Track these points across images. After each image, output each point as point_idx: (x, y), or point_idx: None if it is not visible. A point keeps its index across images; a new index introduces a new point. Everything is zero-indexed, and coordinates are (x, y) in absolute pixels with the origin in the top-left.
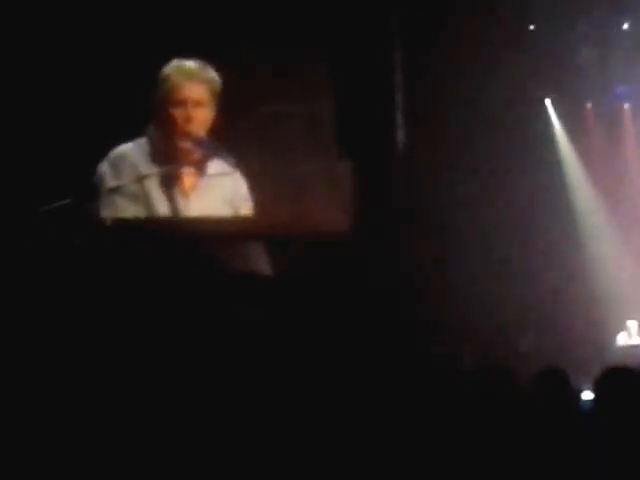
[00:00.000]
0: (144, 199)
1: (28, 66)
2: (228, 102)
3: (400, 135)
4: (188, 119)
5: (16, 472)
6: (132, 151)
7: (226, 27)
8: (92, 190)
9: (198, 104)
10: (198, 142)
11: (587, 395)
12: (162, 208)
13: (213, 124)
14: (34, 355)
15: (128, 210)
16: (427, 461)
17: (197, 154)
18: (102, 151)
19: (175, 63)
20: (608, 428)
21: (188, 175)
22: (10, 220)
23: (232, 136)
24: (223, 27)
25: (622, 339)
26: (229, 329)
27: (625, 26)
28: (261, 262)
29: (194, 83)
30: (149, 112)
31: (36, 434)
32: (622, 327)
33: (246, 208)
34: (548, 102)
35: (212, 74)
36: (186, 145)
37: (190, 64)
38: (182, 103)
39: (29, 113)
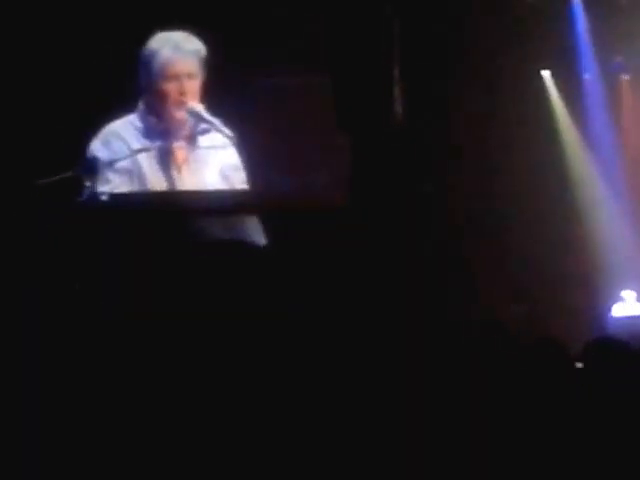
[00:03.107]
0: (137, 174)
1: (22, 45)
2: (227, 74)
3: (397, 107)
4: (182, 92)
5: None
6: (123, 128)
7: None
8: (91, 164)
9: (190, 77)
10: (193, 113)
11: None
12: (155, 182)
13: (207, 94)
14: (29, 325)
15: (122, 186)
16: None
17: (189, 127)
18: (98, 126)
19: (161, 36)
20: (595, 399)
21: (180, 149)
22: (11, 192)
23: (231, 108)
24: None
25: (618, 310)
26: (224, 300)
27: None
28: (257, 235)
29: (185, 56)
30: (137, 88)
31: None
32: (618, 298)
33: (237, 177)
34: (546, 74)
35: (198, 44)
36: (181, 115)
37: (177, 36)
38: (175, 77)
39: (27, 90)
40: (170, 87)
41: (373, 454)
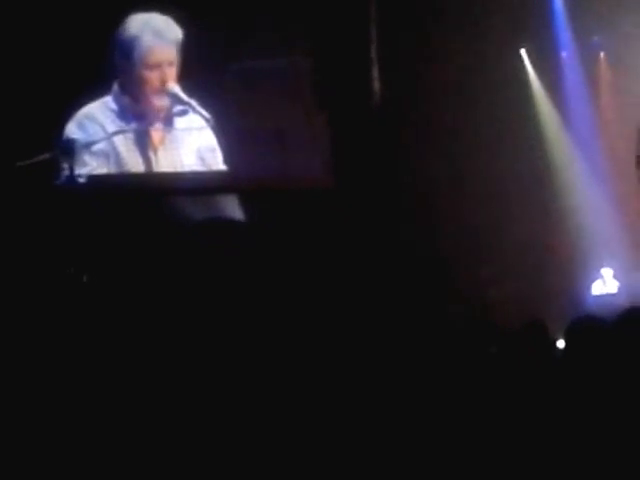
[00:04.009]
0: (114, 156)
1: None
2: (209, 55)
3: (376, 87)
4: (163, 80)
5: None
6: (98, 110)
7: None
8: (67, 147)
9: (171, 64)
10: (174, 97)
11: (562, 344)
12: (132, 164)
13: (183, 75)
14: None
15: (99, 168)
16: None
17: (165, 109)
18: (74, 109)
19: (140, 20)
20: (577, 377)
21: (156, 130)
22: None
23: (211, 90)
24: None
25: (597, 288)
26: (204, 280)
27: None
28: (236, 215)
29: (166, 44)
30: (112, 70)
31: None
32: (598, 276)
33: (214, 159)
34: (523, 52)
35: (178, 30)
36: (161, 102)
37: (156, 21)
38: (157, 66)
39: (1, 73)
40: (151, 75)
41: (362, 446)
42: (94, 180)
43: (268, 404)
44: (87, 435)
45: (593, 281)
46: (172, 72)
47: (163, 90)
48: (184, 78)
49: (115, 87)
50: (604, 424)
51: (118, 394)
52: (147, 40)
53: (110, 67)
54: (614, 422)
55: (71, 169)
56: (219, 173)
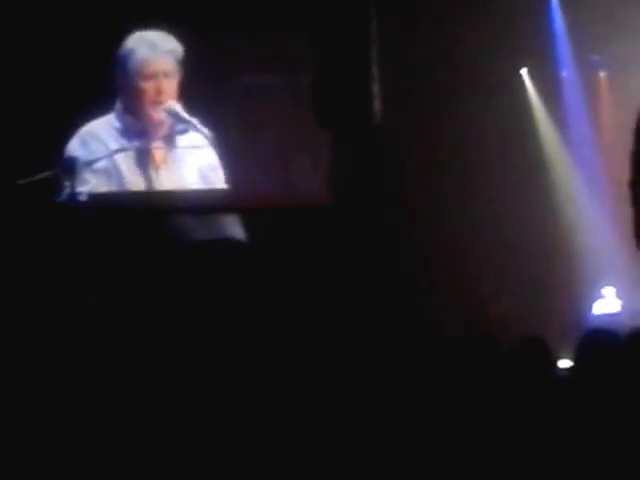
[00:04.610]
0: (116, 174)
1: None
2: (210, 73)
3: (377, 105)
4: (159, 91)
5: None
6: (101, 128)
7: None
8: (69, 164)
9: (167, 75)
10: (171, 112)
11: (563, 363)
12: (134, 183)
13: (184, 93)
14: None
15: (101, 186)
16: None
17: (167, 127)
18: (76, 126)
19: (137, 35)
20: (588, 394)
21: (158, 149)
22: None
23: (213, 106)
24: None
25: (599, 307)
26: (204, 299)
27: None
28: (238, 233)
29: (161, 55)
30: (115, 88)
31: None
32: (599, 295)
33: (216, 177)
34: (524, 71)
35: (175, 43)
36: (159, 115)
37: (153, 35)
38: (152, 76)
39: (5, 90)
40: (147, 86)
41: (355, 447)
42: (95, 198)
43: (278, 422)
44: (92, 440)
45: (595, 300)
46: (169, 84)
47: (159, 102)
48: (185, 96)
49: (118, 105)
50: (615, 444)
51: (127, 409)
52: (142, 52)
53: (112, 85)
54: (626, 442)
55: (72, 187)
56: (220, 191)
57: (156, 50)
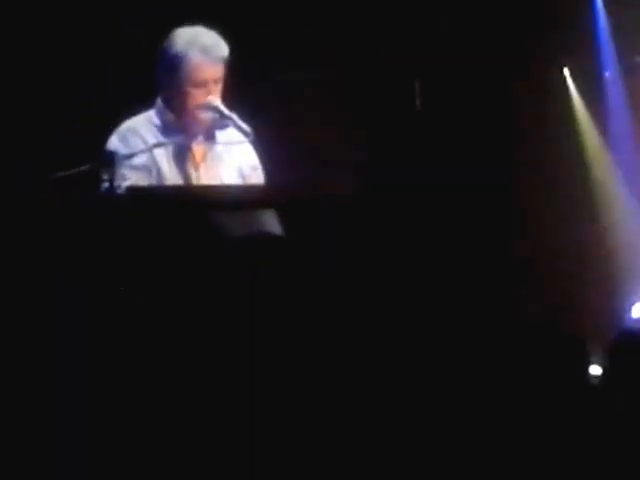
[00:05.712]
0: (155, 171)
1: (43, 39)
2: (244, 69)
3: (417, 102)
4: (207, 95)
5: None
6: (140, 124)
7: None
8: (108, 159)
9: (217, 82)
10: (215, 110)
11: (595, 370)
12: (173, 179)
13: (227, 90)
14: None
15: (139, 182)
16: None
17: (207, 123)
18: (117, 122)
19: (187, 36)
20: (620, 399)
21: (198, 145)
22: (27, 186)
23: (247, 103)
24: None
25: (638, 311)
26: (242, 296)
27: None
28: (275, 230)
29: (213, 62)
30: (156, 85)
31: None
32: (638, 298)
33: (255, 177)
34: (566, 71)
35: (225, 48)
36: (206, 115)
37: (205, 38)
38: (203, 84)
39: (47, 85)
40: (197, 92)
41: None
42: (134, 191)
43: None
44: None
45: (634, 303)
46: (218, 89)
47: (207, 104)
48: (223, 91)
49: (159, 102)
50: None
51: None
52: (194, 57)
53: (154, 81)
54: None
55: (111, 181)
56: (256, 187)
57: (209, 56)
